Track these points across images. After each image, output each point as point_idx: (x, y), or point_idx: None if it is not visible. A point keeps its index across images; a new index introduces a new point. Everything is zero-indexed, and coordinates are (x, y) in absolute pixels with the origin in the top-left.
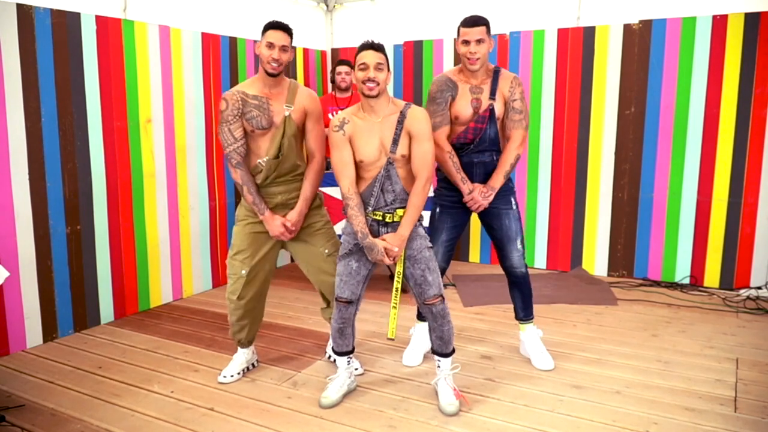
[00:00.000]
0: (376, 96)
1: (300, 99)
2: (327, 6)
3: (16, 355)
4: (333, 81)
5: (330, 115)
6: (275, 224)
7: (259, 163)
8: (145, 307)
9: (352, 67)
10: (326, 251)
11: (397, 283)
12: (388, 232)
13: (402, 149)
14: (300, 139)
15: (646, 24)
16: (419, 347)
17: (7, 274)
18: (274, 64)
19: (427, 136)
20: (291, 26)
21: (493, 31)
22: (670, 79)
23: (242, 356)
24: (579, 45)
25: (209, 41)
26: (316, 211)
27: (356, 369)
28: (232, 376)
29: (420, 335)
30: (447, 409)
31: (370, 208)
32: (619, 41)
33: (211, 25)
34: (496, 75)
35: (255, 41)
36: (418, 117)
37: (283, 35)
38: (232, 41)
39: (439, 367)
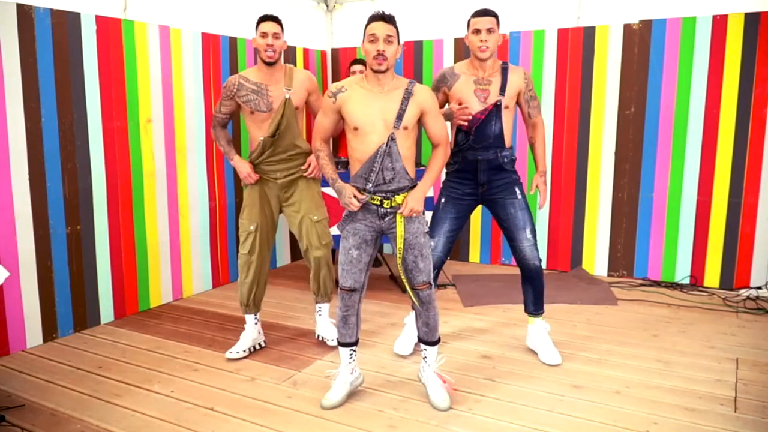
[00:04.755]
0: (385, 71)
1: (298, 81)
2: (327, 6)
3: (16, 355)
4: None
5: None
6: (243, 167)
7: (260, 141)
8: (145, 307)
9: (366, 66)
10: (315, 217)
11: (399, 259)
12: (386, 217)
13: (405, 123)
14: (299, 120)
15: (646, 24)
16: (411, 336)
17: (7, 274)
18: (270, 52)
19: (438, 111)
20: (285, 19)
21: None
22: (670, 79)
23: (249, 333)
24: (579, 45)
25: (209, 41)
26: (313, 181)
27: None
28: (238, 353)
29: (413, 325)
30: (440, 405)
31: (370, 185)
32: (619, 41)
33: (211, 25)
34: (505, 71)
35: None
36: (427, 93)
37: (273, 24)
38: (232, 41)
39: (425, 358)
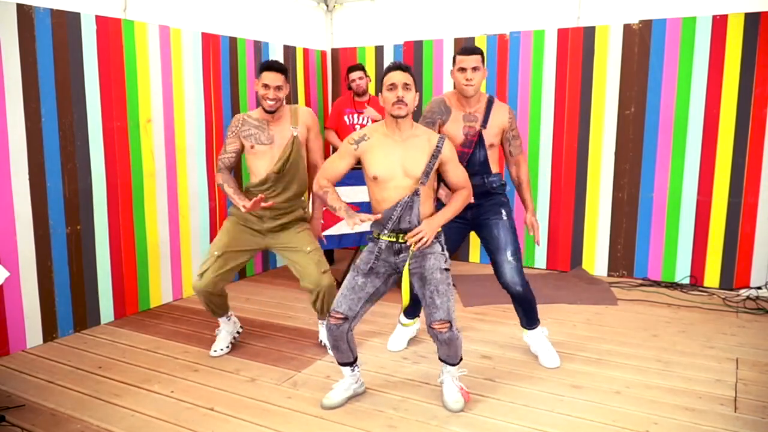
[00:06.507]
0: (405, 116)
1: (302, 119)
2: (327, 6)
3: (16, 355)
4: (350, 88)
5: (346, 118)
6: (243, 201)
7: (265, 176)
8: (145, 307)
9: (364, 70)
10: (308, 248)
11: (405, 300)
12: (401, 253)
13: (431, 179)
14: (303, 160)
15: (646, 24)
16: (404, 334)
17: (7, 274)
18: (271, 103)
19: (457, 160)
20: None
21: (493, 31)
22: (670, 79)
23: (224, 328)
24: (579, 45)
25: (209, 41)
26: (300, 221)
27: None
28: (222, 349)
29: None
30: (453, 406)
31: (386, 231)
32: (619, 41)
33: (211, 25)
34: (490, 104)
35: (255, 41)
36: (448, 145)
37: (276, 75)
38: (232, 41)
39: (445, 368)
